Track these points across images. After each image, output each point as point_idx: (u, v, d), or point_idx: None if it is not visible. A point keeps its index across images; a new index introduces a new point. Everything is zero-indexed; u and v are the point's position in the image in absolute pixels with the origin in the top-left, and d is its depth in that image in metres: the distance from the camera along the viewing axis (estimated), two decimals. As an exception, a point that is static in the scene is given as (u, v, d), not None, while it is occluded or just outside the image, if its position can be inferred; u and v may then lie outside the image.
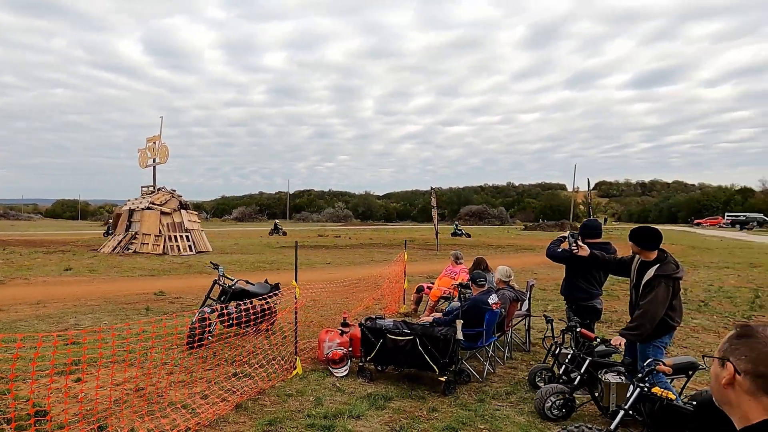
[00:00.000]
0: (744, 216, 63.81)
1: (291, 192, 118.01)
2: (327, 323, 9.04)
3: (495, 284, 7.46)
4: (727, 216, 67.77)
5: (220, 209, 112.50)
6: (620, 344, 4.84)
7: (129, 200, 29.14)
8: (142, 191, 29.65)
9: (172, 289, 13.71)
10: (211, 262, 9.33)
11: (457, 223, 46.26)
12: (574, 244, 5.65)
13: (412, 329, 6.25)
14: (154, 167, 29.10)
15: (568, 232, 6.17)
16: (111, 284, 15.08)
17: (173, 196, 28.62)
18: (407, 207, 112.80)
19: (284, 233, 43.46)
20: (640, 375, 4.14)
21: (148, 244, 25.62)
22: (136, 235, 26.20)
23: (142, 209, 26.98)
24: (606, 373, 5.03)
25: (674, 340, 8.35)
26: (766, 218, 61.51)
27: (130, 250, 25.26)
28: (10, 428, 4.58)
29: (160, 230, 26.29)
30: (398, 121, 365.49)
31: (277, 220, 52.87)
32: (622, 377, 4.95)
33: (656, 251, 4.94)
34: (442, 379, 5.92)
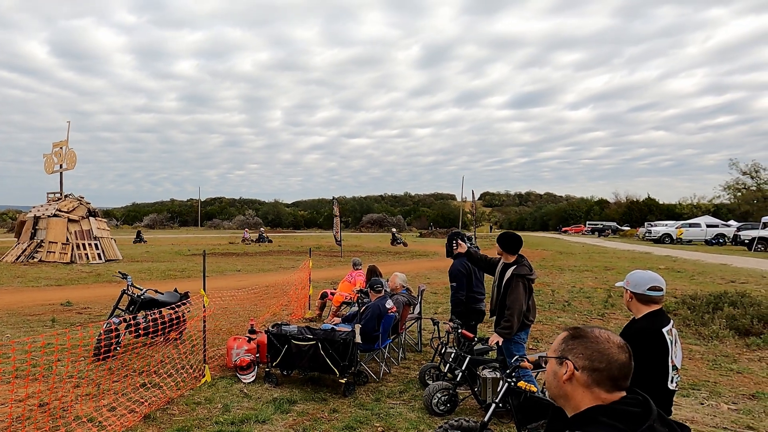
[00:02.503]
0: (601, 224, 69.44)
1: (202, 199, 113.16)
2: (236, 330, 8.80)
3: (390, 289, 7.63)
4: (588, 224, 73.45)
5: (131, 216, 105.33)
6: (498, 342, 5.15)
7: (34, 207, 26.56)
8: (48, 198, 27.14)
9: (79, 299, 12.71)
10: (119, 272, 8.78)
11: (394, 231, 46.30)
12: (454, 242, 5.95)
13: (314, 334, 6.26)
14: (61, 173, 26.78)
15: (454, 231, 6.56)
16: (14, 295, 13.69)
17: (81, 203, 26.46)
18: (314, 215, 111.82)
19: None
20: (507, 371, 4.44)
21: (54, 252, 23.52)
22: (42, 243, 23.97)
23: (49, 216, 24.73)
24: (483, 369, 5.34)
25: (542, 337, 8.98)
26: (618, 226, 67.32)
27: (35, 259, 23.05)
28: None
29: (67, 238, 24.23)
30: (305, 132, 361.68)
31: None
32: (497, 373, 5.27)
33: (515, 255, 5.32)
34: (343, 381, 5.98)
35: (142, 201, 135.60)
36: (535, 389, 4.26)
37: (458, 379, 5.48)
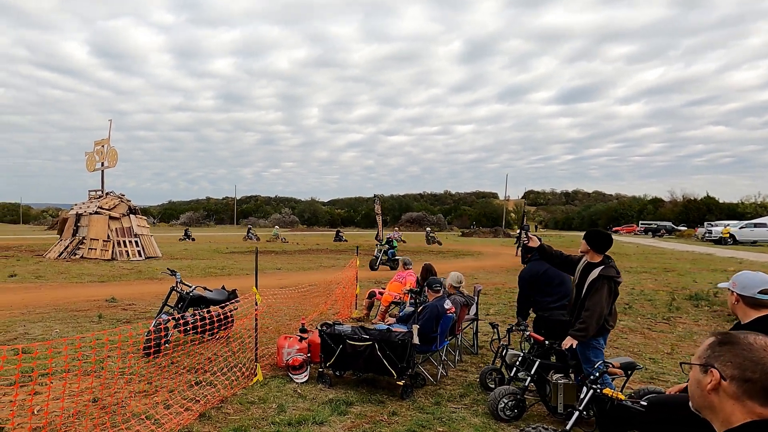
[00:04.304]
0: (655, 224, 67.31)
1: (238, 198, 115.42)
2: (283, 329, 8.85)
3: (446, 289, 7.50)
4: (641, 224, 71.31)
5: (167, 214, 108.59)
6: (573, 345, 4.95)
7: (76, 204, 27.59)
8: (89, 195, 28.16)
9: (123, 295, 13.08)
10: (168, 269, 8.95)
11: (428, 230, 46.27)
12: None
13: (370, 334, 6.19)
14: (103, 171, 27.75)
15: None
16: (59, 291, 14.21)
17: (122, 201, 27.33)
18: (351, 213, 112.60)
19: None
20: (592, 377, 4.25)
21: (96, 249, 24.37)
22: (84, 240, 24.87)
23: (90, 214, 25.64)
24: (554, 374, 5.15)
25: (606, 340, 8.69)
26: (674, 226, 65.12)
27: (77, 256, 23.93)
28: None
29: (108, 235, 25.06)
30: (342, 129, 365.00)
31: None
32: (569, 378, 5.08)
33: (603, 254, 5.09)
34: (400, 383, 5.89)
35: (178, 199, 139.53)
36: (623, 396, 4.05)
37: (526, 383, 5.31)
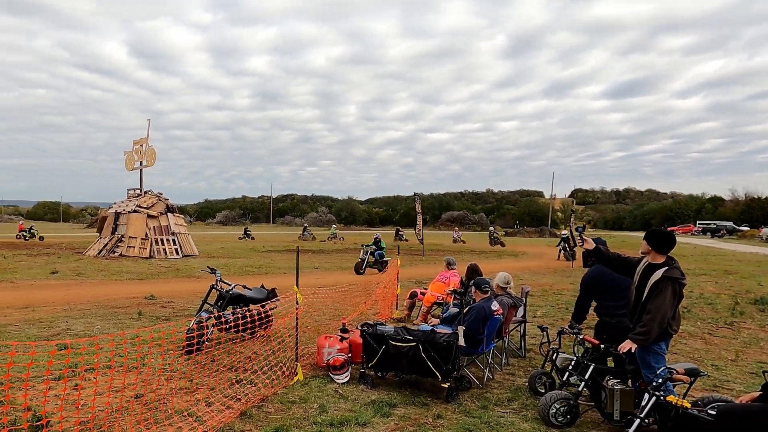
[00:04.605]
0: (715, 224, 64.91)
1: (274, 196, 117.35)
2: (322, 329, 8.93)
3: (493, 290, 7.43)
4: (699, 224, 68.88)
5: (203, 213, 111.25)
6: (632, 349, 4.81)
7: (115, 203, 28.61)
8: (128, 194, 29.14)
9: (162, 293, 13.47)
10: (208, 267, 9.17)
11: (492, 229, 46.06)
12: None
13: (414, 335, 6.18)
14: (141, 170, 28.65)
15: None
16: (100, 288, 14.75)
17: (160, 200, 28.18)
18: (389, 212, 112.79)
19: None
20: (654, 383, 4.12)
21: (134, 247, 25.20)
22: (122, 238, 25.75)
23: (129, 212, 26.52)
24: (610, 379, 5.03)
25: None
26: (735, 226, 62.66)
27: (115, 253, 24.80)
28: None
29: (146, 233, 25.87)
30: (380, 127, 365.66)
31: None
32: (626, 384, 4.95)
33: (666, 255, 4.93)
34: (445, 385, 5.86)
35: (214, 198, 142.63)
36: (688, 404, 3.91)
37: (580, 388, 5.20)
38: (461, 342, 5.97)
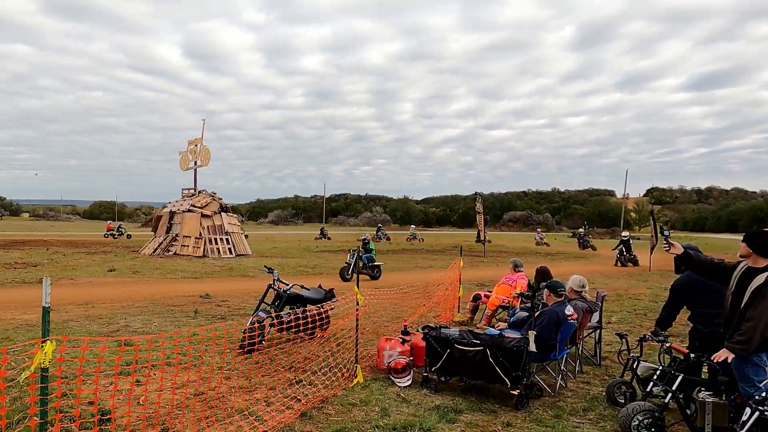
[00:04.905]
0: (813, 225, 61.10)
1: (327, 196, 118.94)
2: (381, 331, 9.00)
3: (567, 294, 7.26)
4: (794, 225, 64.95)
5: (255, 212, 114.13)
6: (728, 359, 4.58)
7: (169, 202, 29.80)
8: (182, 194, 30.28)
9: (216, 292, 13.91)
10: (265, 266, 9.42)
11: (581, 231, 45.42)
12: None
13: (481, 339, 6.12)
14: (195, 170, 29.72)
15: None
16: (155, 286, 15.40)
17: (214, 199, 29.13)
18: (447, 212, 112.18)
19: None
20: (757, 397, 3.91)
21: (188, 246, 26.14)
22: (177, 237, 26.77)
23: (183, 211, 27.55)
24: (701, 391, 4.81)
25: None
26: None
27: (170, 252, 25.81)
28: (75, 426, 4.66)
29: (200, 233, 26.80)
30: (437, 124, 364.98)
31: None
32: (719, 396, 4.72)
33: None
34: (514, 392, 5.77)
35: (266, 197, 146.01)
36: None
37: (666, 400, 5.00)
38: (532, 347, 5.86)
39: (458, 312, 10.90)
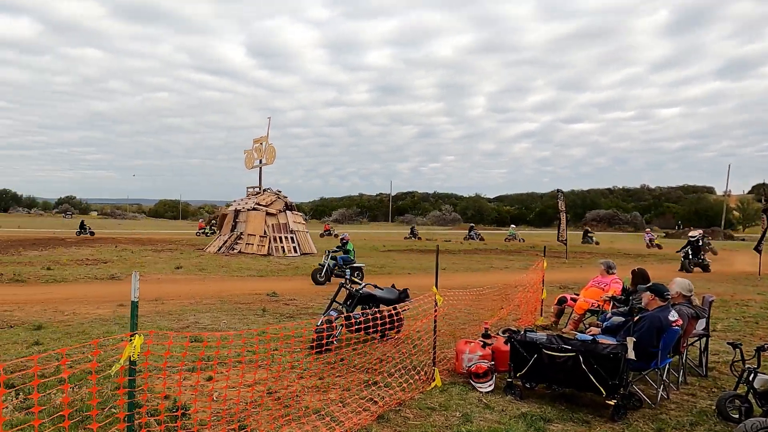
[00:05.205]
0: None
1: (393, 194, 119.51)
2: (457, 333, 8.94)
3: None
4: None
5: (319, 211, 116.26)
6: None
7: (234, 201, 30.78)
8: (247, 192, 31.20)
9: (283, 290, 14.26)
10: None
11: (699, 233, 44.16)
12: None
13: (572, 345, 5.95)
14: (261, 168, 30.56)
15: None
16: (221, 283, 16.00)
17: (279, 197, 29.86)
18: (522, 210, 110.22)
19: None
20: None
21: (253, 244, 26.91)
22: (241, 236, 27.61)
23: (248, 210, 28.39)
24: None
25: None
26: None
27: (235, 251, 26.65)
28: (154, 421, 4.87)
29: (265, 231, 27.52)
30: (512, 119, 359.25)
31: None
32: None
33: None
34: (611, 402, 5.57)
35: (329, 196, 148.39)
36: None
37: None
38: (630, 355, 5.65)
39: (541, 315, 10.67)
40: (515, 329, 7.30)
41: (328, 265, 16.37)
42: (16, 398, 5.42)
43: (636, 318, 6.17)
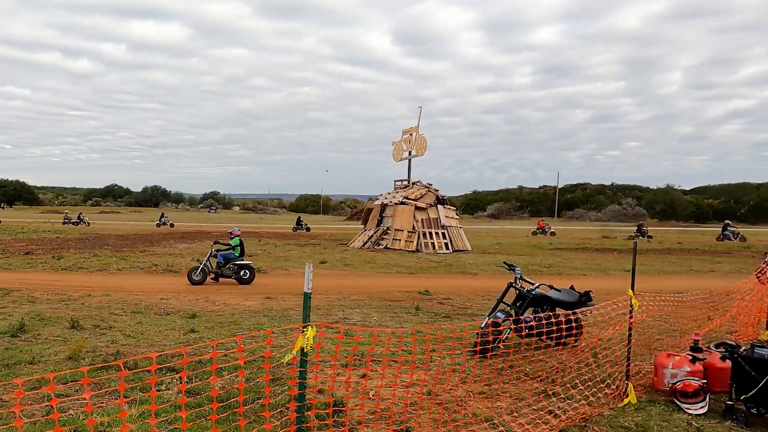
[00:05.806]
0: None
1: (560, 186, 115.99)
2: (654, 345, 8.39)
3: None
4: None
5: (471, 205, 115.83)
6: None
7: (381, 194, 31.45)
8: (395, 185, 31.78)
9: (436, 288, 14.33)
10: (504, 263, 9.41)
11: None
12: None
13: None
14: (410, 160, 30.98)
15: None
16: (368, 279, 16.47)
17: (429, 191, 30.10)
18: (731, 204, 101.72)
19: (554, 233, 44.15)
20: None
21: (400, 240, 27.35)
22: (388, 231, 28.15)
23: (396, 204, 28.90)
24: None
25: None
26: None
27: (380, 246, 27.25)
28: (311, 415, 4.98)
29: (413, 226, 27.86)
30: (718, 96, 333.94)
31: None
32: None
33: None
34: None
35: (483, 189, 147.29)
36: None
37: None
38: None
39: (766, 329, 9.70)
40: (733, 343, 6.63)
41: (205, 263, 15.67)
42: (179, 383, 5.84)
43: None
